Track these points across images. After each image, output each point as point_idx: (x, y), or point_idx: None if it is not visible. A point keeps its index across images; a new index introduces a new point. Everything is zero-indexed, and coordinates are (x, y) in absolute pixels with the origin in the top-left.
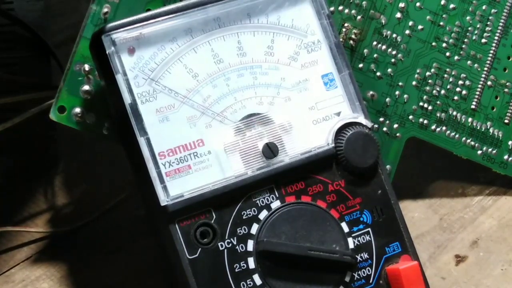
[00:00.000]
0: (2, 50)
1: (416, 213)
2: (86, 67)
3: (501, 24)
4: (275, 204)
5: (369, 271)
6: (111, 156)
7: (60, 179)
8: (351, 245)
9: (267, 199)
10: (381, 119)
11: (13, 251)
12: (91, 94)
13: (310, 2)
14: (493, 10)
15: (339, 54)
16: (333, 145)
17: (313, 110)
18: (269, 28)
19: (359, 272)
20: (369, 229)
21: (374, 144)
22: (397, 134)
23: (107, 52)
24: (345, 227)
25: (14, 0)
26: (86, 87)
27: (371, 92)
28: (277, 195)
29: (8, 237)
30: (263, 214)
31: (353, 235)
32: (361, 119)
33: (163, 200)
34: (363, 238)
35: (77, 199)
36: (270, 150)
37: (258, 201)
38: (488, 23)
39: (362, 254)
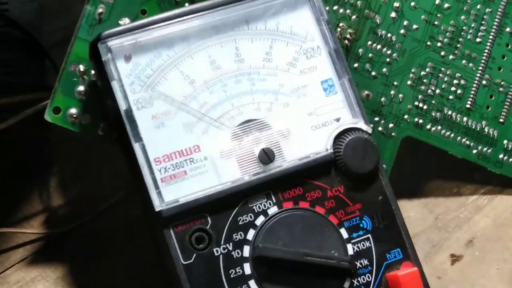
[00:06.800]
0: None
1: (411, 213)
2: (81, 67)
3: (495, 23)
4: (272, 210)
5: (369, 277)
6: (106, 157)
7: (55, 180)
8: (350, 251)
9: (264, 204)
10: (376, 118)
11: (8, 252)
12: (86, 95)
13: (309, 8)
14: (487, 9)
15: (339, 59)
16: (331, 150)
17: (312, 116)
18: (268, 34)
19: (359, 279)
20: (369, 235)
21: (374, 150)
22: (392, 134)
23: (103, 60)
24: (344, 233)
25: (9, 1)
26: (81, 88)
27: (366, 92)
28: (274, 201)
29: (3, 238)
30: (260, 220)
31: (352, 241)
32: (361, 125)
33: (158, 206)
34: (363, 244)
35: (73, 200)
36: (266, 156)
37: (254, 207)
38: (483, 22)
39: (361, 261)
